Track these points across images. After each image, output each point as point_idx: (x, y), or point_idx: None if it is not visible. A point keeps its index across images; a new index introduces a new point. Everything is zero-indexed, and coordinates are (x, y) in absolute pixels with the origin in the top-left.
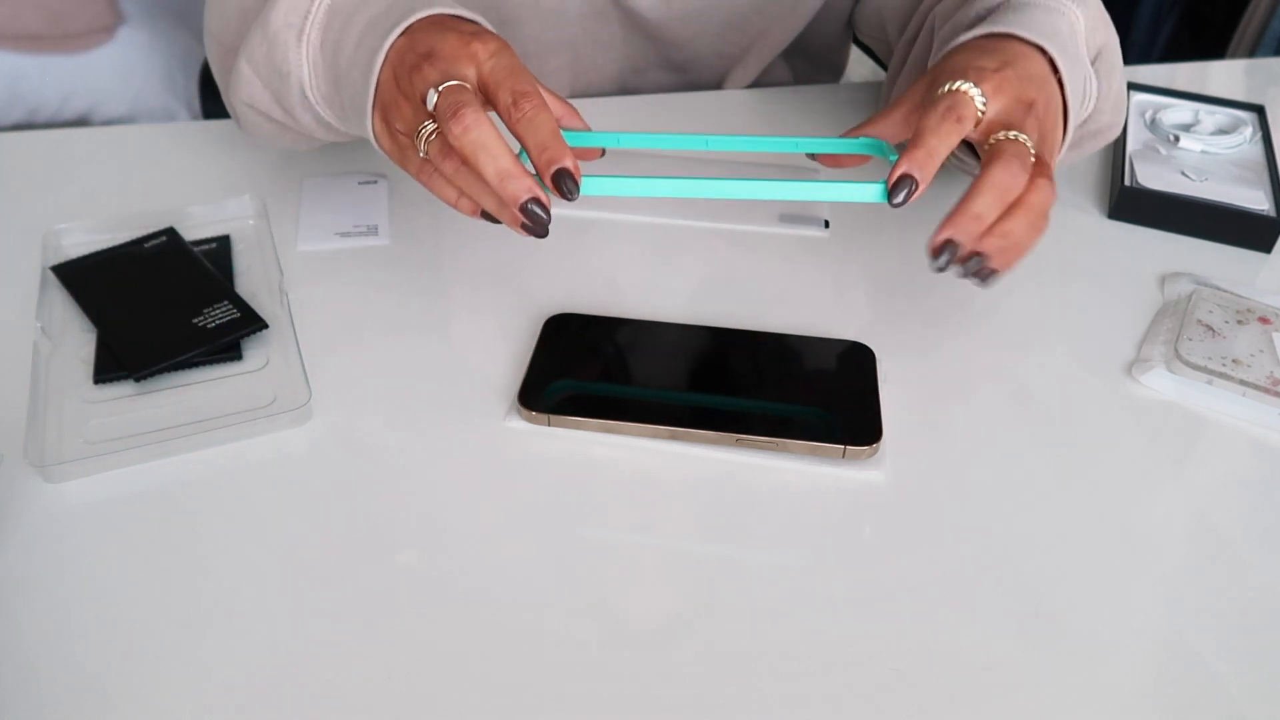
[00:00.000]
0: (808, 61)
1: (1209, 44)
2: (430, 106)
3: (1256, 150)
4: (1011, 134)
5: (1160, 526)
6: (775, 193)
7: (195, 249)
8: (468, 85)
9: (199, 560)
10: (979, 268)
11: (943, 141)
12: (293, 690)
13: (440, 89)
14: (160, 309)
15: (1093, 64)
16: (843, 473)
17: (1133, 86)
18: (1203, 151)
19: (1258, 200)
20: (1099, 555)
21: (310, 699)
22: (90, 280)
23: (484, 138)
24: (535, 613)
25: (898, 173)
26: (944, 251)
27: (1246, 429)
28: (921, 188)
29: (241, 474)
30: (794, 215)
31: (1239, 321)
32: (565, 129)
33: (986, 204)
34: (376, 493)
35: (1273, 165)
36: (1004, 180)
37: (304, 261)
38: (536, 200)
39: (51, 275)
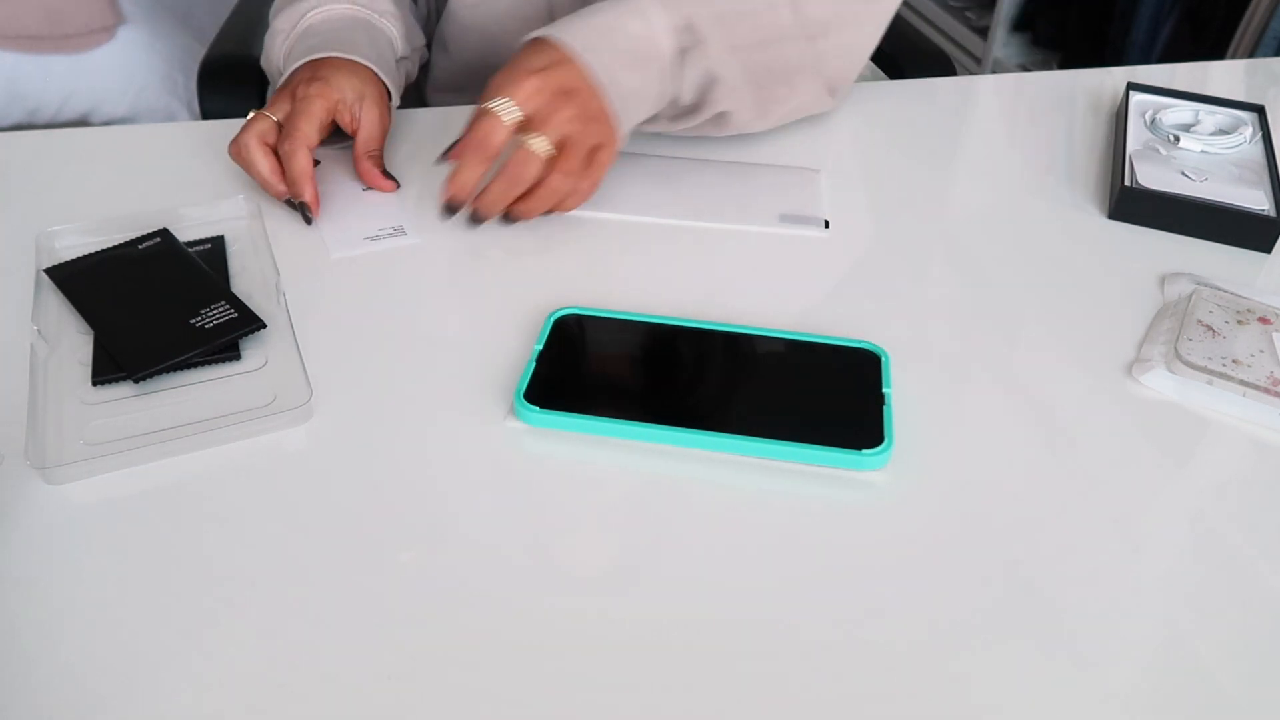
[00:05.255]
0: None
1: (1209, 44)
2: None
3: (1256, 150)
4: (494, 104)
5: (1160, 527)
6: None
7: (190, 250)
8: (272, 117)
9: (199, 561)
10: (479, 217)
11: (472, 173)
12: (293, 690)
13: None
14: (157, 310)
15: (685, 53)
16: (846, 474)
17: (1133, 86)
18: (1203, 151)
19: (1258, 200)
20: (1099, 555)
21: (310, 698)
22: (85, 282)
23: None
24: (536, 613)
25: (441, 199)
26: (446, 211)
27: (1246, 429)
28: (474, 208)
29: (241, 474)
30: (794, 215)
31: (1239, 322)
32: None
33: (467, 174)
34: (376, 492)
35: (1273, 165)
36: (474, 154)
37: (300, 261)
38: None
39: (46, 277)
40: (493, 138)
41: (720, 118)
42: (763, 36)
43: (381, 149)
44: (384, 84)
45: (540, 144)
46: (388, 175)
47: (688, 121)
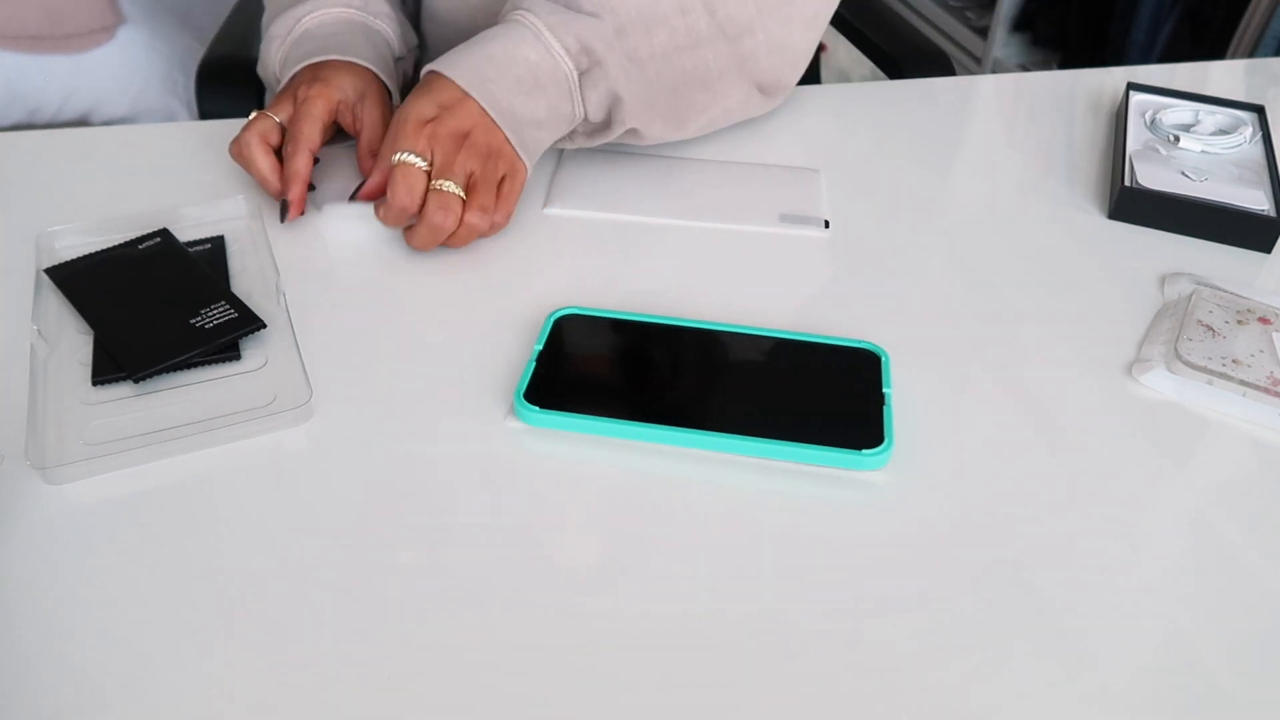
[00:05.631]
0: None
1: (1209, 44)
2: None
3: (1256, 150)
4: (406, 158)
5: (1160, 527)
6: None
7: (190, 250)
8: (274, 117)
9: (199, 561)
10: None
11: (400, 224)
12: (293, 689)
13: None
14: (157, 310)
15: (585, 75)
16: (846, 474)
17: (1133, 86)
18: (1203, 151)
19: (1258, 200)
20: (1098, 555)
21: (310, 698)
22: (85, 282)
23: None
24: (536, 612)
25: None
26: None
27: (1246, 429)
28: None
29: (242, 474)
30: (794, 215)
31: (1239, 322)
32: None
33: (394, 223)
34: (376, 492)
35: (1273, 165)
36: (401, 211)
37: (300, 261)
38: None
39: (46, 277)
40: (416, 190)
41: (633, 132)
42: (676, 43)
43: (379, 144)
44: (384, 84)
45: (450, 187)
46: None
47: (603, 137)
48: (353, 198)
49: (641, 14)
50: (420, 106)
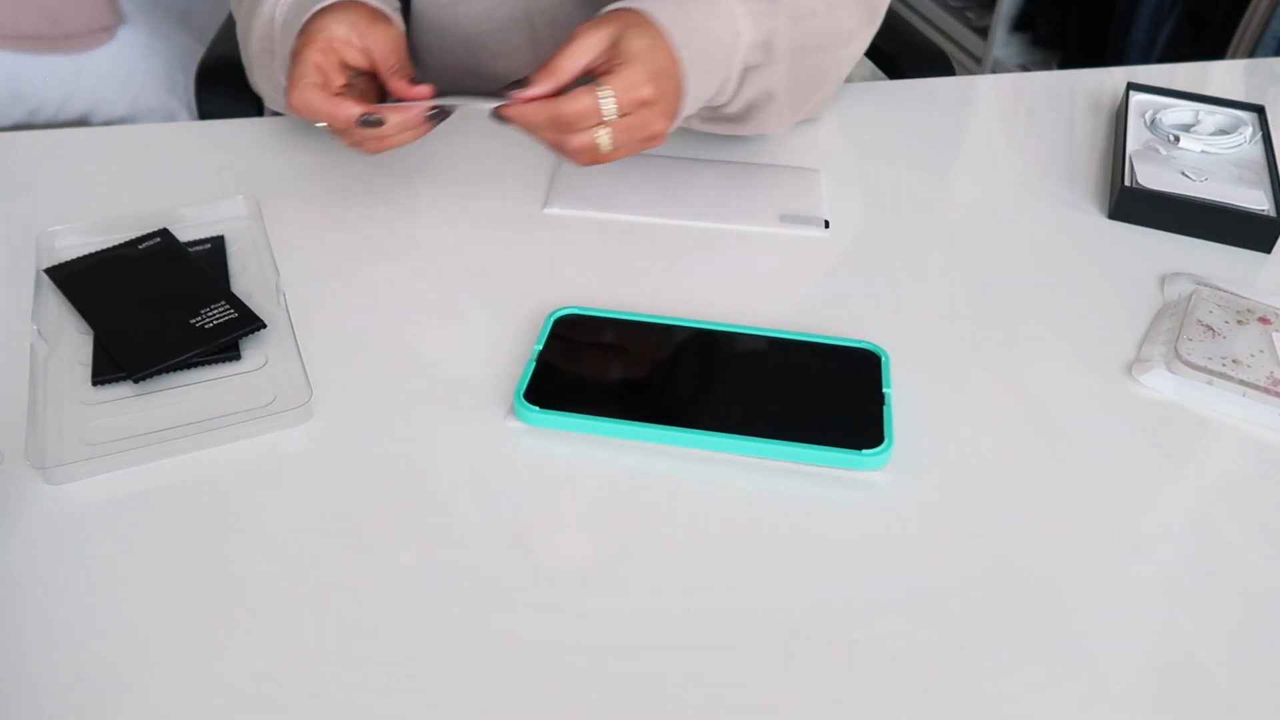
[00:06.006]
0: None
1: (1209, 44)
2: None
3: (1256, 150)
4: (602, 95)
5: (1160, 527)
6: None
7: (190, 250)
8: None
9: (199, 561)
10: (505, 117)
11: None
12: (292, 689)
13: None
14: (157, 310)
15: (750, 71)
16: (846, 474)
17: (1133, 86)
18: (1203, 151)
19: (1258, 200)
20: (1099, 555)
21: (310, 698)
22: (85, 282)
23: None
24: (536, 611)
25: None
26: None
27: (1246, 429)
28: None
29: (241, 474)
30: (794, 215)
31: (1239, 322)
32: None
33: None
34: (376, 492)
35: (1273, 165)
36: (552, 130)
37: (300, 261)
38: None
39: (46, 277)
40: (580, 123)
41: (754, 125)
42: (821, 41)
43: (405, 61)
44: (375, 8)
45: (610, 107)
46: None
47: (717, 127)
48: (505, 106)
49: (806, 2)
50: (635, 46)
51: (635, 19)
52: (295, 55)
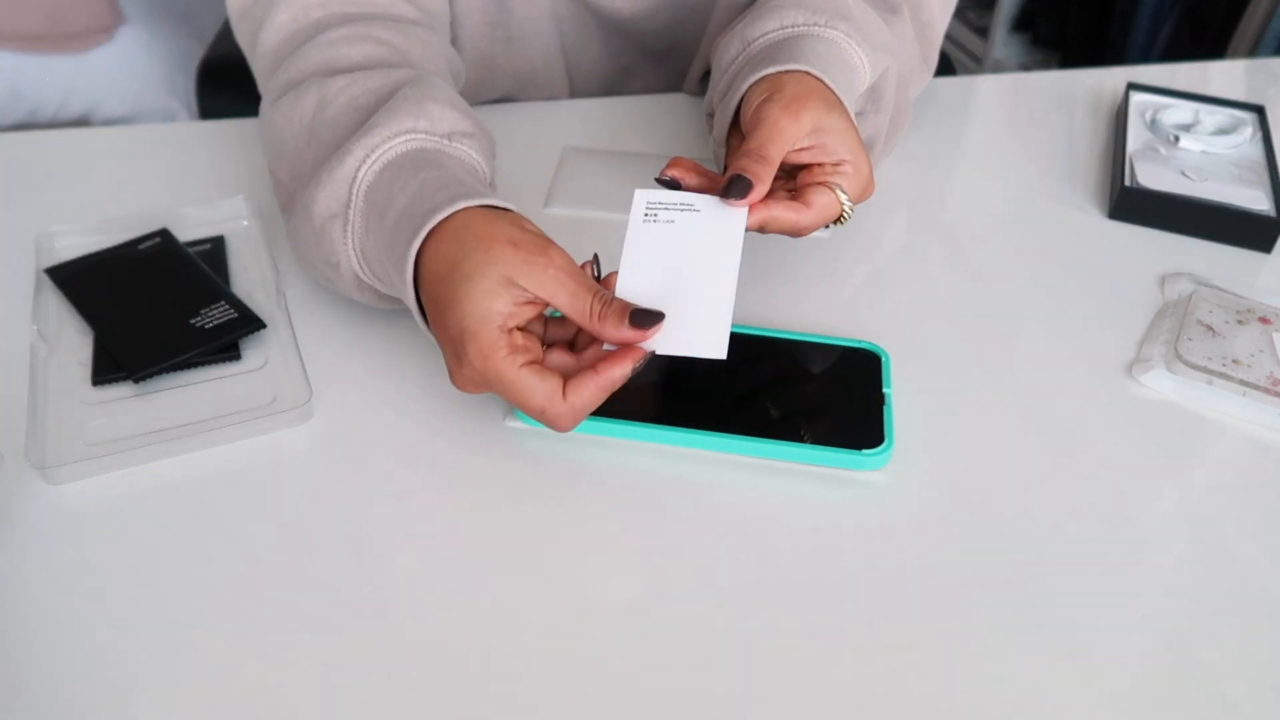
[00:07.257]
0: None
1: (1209, 44)
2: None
3: (1256, 150)
4: (846, 204)
5: (1160, 526)
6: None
7: (190, 250)
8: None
9: (199, 560)
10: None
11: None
12: (292, 689)
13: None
14: (157, 310)
15: (870, 90)
16: (846, 474)
17: (1133, 86)
18: (1203, 151)
19: (1258, 200)
20: (1099, 555)
21: (310, 698)
22: (85, 282)
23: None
24: (535, 612)
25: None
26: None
27: (1246, 429)
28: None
29: (241, 474)
30: None
31: (1239, 321)
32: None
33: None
34: (376, 492)
35: (1273, 165)
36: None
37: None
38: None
39: (46, 278)
40: (826, 218)
41: None
42: (904, 78)
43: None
44: (519, 238)
45: (848, 203)
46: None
47: None
48: (741, 195)
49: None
50: (849, 149)
51: (822, 94)
52: (483, 366)
